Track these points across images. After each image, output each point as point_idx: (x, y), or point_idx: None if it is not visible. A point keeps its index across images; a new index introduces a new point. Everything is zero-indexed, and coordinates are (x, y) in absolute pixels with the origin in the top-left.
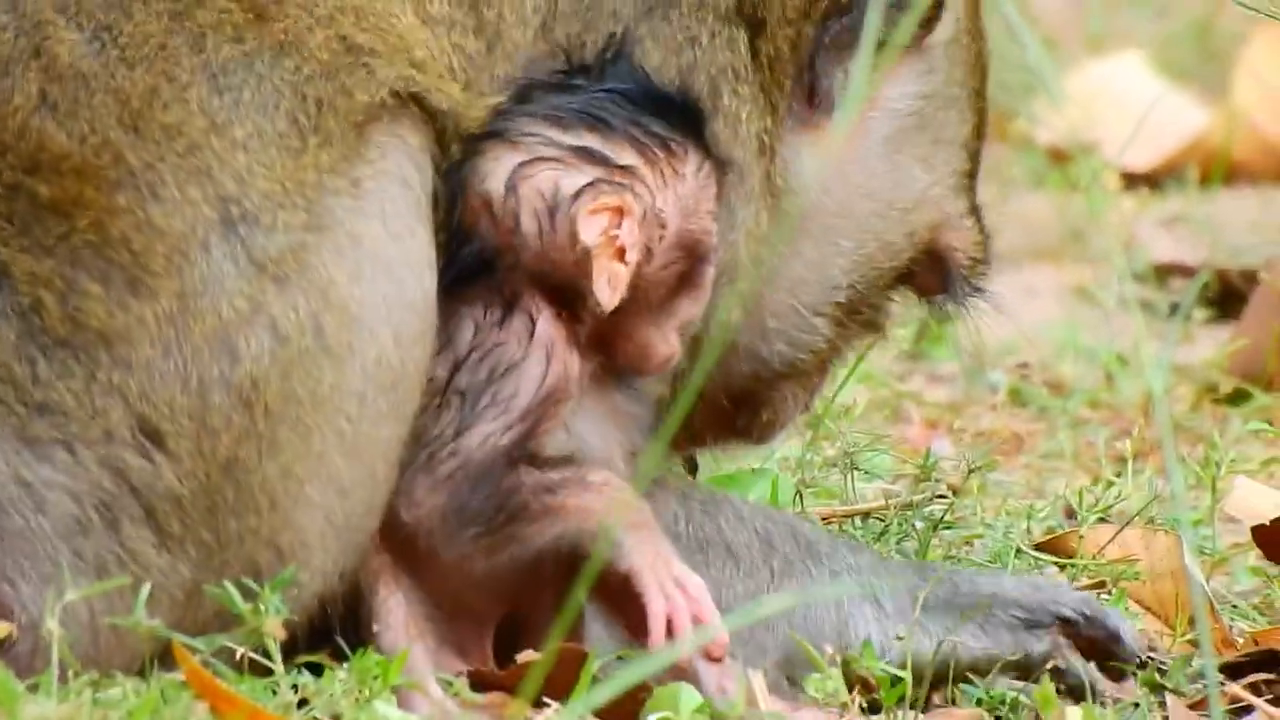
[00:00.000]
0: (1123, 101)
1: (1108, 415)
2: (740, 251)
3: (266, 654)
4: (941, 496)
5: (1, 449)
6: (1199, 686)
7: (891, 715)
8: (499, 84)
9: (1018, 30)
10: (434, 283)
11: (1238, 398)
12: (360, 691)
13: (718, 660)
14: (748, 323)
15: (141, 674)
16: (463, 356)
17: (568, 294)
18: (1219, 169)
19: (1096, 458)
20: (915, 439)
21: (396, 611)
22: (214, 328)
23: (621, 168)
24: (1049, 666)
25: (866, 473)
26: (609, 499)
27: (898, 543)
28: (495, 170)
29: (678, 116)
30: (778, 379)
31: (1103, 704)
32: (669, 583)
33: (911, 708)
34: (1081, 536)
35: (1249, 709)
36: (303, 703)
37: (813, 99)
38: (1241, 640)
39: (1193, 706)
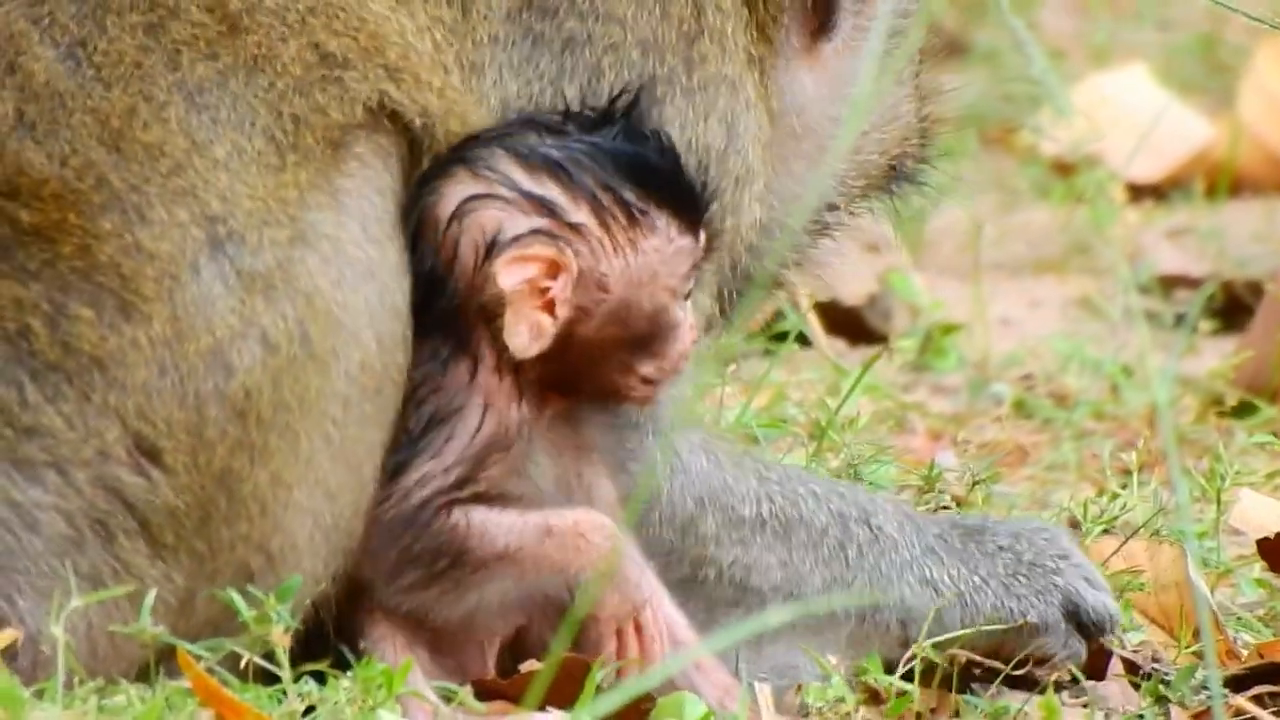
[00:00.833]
0: (1128, 113)
1: (1112, 427)
2: (750, 156)
3: (268, 661)
4: (946, 508)
5: None
6: (1203, 698)
7: None
8: (482, 49)
9: (1023, 42)
10: (411, 288)
11: (1243, 410)
12: (364, 700)
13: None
14: (736, 239)
15: (142, 681)
16: (410, 392)
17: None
18: (1224, 181)
19: (1101, 469)
20: (919, 450)
21: (381, 625)
22: (208, 345)
23: (570, 224)
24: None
25: (871, 484)
26: (571, 546)
27: None
28: (450, 194)
29: (672, 190)
30: (749, 287)
31: (1107, 715)
32: (627, 626)
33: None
34: (1086, 548)
35: None
36: (308, 710)
37: (814, 21)
38: (1246, 652)
39: (1196, 718)
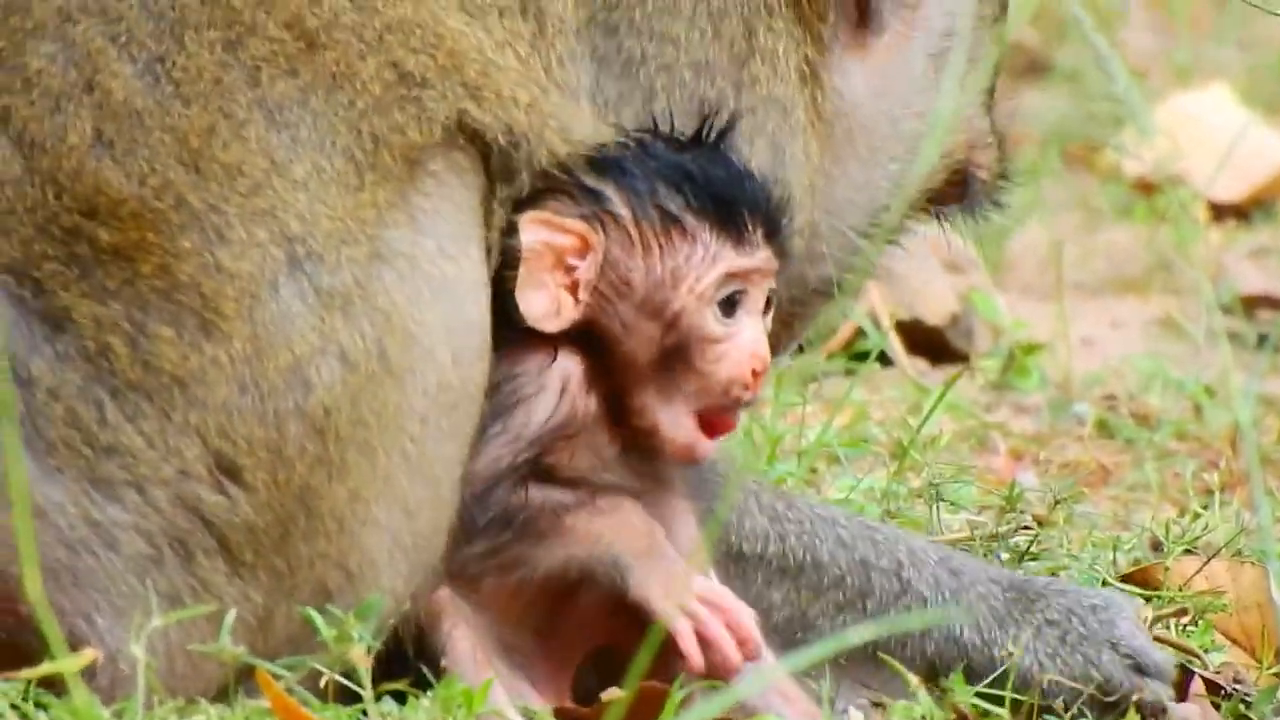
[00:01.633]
0: (1210, 133)
1: (1195, 447)
2: (793, 183)
3: (347, 679)
4: (1027, 528)
5: (70, 491)
6: None
7: None
8: (561, 65)
9: (1106, 62)
10: (488, 303)
11: None
12: (445, 719)
13: (752, 658)
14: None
15: (221, 700)
16: (493, 380)
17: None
18: None
19: (1183, 489)
20: (1001, 470)
21: (462, 643)
22: (287, 363)
23: (608, 213)
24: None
25: (952, 504)
26: (617, 525)
27: None
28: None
29: (722, 203)
30: (814, 298)
31: None
32: (690, 601)
33: None
34: (1168, 569)
35: None
36: None
37: (862, 19)
38: None
39: None
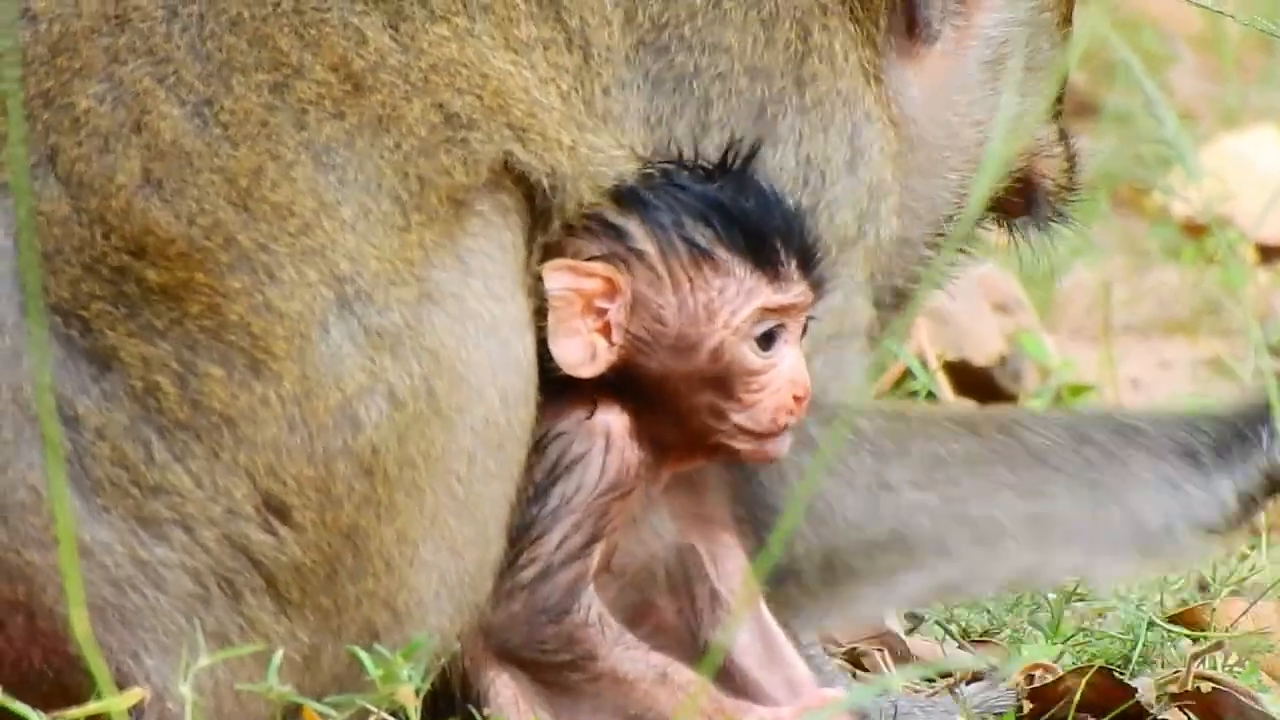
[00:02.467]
0: (1258, 175)
1: None
2: (879, 166)
3: (394, 718)
4: None
5: (117, 530)
6: None
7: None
8: (607, 94)
9: (1155, 104)
10: (534, 343)
11: None
12: None
13: None
14: (878, 251)
15: None
16: (537, 439)
17: (625, 384)
18: None
19: None
20: None
21: (505, 691)
22: (336, 402)
23: (634, 251)
24: None
25: None
26: (678, 699)
27: (1030, 614)
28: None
29: (753, 236)
30: (884, 311)
31: None
32: None
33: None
34: (1215, 609)
35: None
36: None
37: (913, 29)
38: None
39: None
